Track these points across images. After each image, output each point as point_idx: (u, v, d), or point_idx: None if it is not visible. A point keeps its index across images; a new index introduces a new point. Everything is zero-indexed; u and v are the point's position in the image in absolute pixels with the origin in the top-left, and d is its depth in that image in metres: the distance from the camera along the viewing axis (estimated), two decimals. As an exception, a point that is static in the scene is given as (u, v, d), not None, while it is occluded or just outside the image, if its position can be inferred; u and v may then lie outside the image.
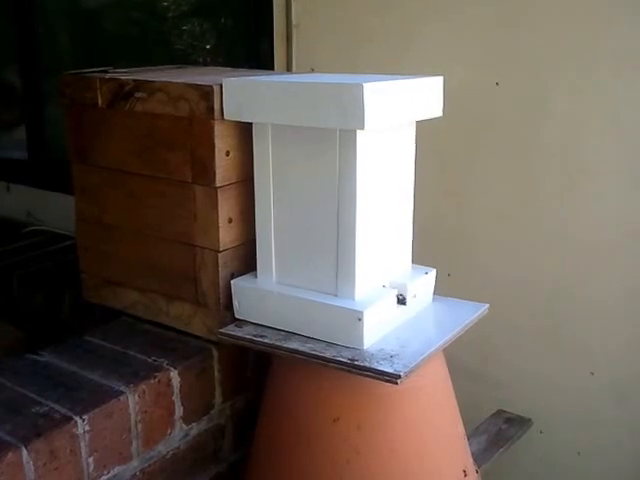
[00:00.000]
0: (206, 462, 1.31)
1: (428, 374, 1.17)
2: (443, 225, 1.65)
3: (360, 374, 1.08)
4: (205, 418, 1.29)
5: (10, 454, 0.97)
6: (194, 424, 1.27)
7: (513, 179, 1.56)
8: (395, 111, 1.11)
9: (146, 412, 1.17)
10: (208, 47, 2.16)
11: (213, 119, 1.16)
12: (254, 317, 1.23)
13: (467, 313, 1.24)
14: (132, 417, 1.15)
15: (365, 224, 1.13)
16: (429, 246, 1.40)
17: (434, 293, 1.29)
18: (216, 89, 1.15)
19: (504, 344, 1.64)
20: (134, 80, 1.25)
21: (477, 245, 1.63)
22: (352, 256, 1.12)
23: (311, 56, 1.73)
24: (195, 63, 2.10)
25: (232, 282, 1.24)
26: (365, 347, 1.12)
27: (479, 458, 1.43)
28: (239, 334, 1.20)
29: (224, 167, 1.20)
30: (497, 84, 1.53)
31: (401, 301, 1.20)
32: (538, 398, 1.63)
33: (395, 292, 1.19)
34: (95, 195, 1.38)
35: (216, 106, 1.16)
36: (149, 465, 1.19)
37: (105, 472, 1.12)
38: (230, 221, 1.23)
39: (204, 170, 1.20)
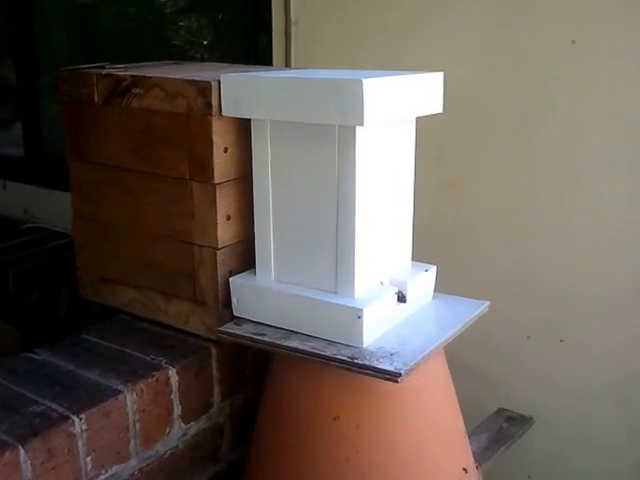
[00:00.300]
0: (205, 461, 1.30)
1: (428, 372, 1.16)
2: (443, 222, 1.65)
3: (360, 372, 1.07)
4: (204, 417, 1.28)
5: (7, 453, 0.97)
6: (193, 423, 1.26)
7: (513, 177, 1.56)
8: (395, 107, 1.10)
9: (144, 411, 1.16)
10: (205, 43, 2.15)
11: (211, 115, 1.15)
12: (253, 315, 1.22)
13: (467, 311, 1.24)
14: (130, 416, 1.14)
15: (365, 221, 1.12)
16: (429, 243, 1.39)
17: (434, 290, 1.29)
18: (214, 85, 1.14)
19: (505, 342, 1.64)
20: (131, 76, 1.24)
21: (478, 242, 1.63)
22: (351, 253, 1.11)
23: (310, 53, 1.72)
24: (192, 59, 2.09)
25: (230, 280, 1.23)
26: (365, 345, 1.11)
27: (480, 457, 1.43)
28: (238, 332, 1.19)
29: (222, 164, 1.19)
30: (497, 82, 1.52)
31: (401, 299, 1.19)
32: (539, 396, 1.62)
33: (395, 289, 1.18)
34: (92, 192, 1.37)
35: (214, 102, 1.15)
36: (147, 464, 1.18)
37: (103, 471, 1.11)
38: (228, 218, 1.22)
39: (202, 167, 1.19)
